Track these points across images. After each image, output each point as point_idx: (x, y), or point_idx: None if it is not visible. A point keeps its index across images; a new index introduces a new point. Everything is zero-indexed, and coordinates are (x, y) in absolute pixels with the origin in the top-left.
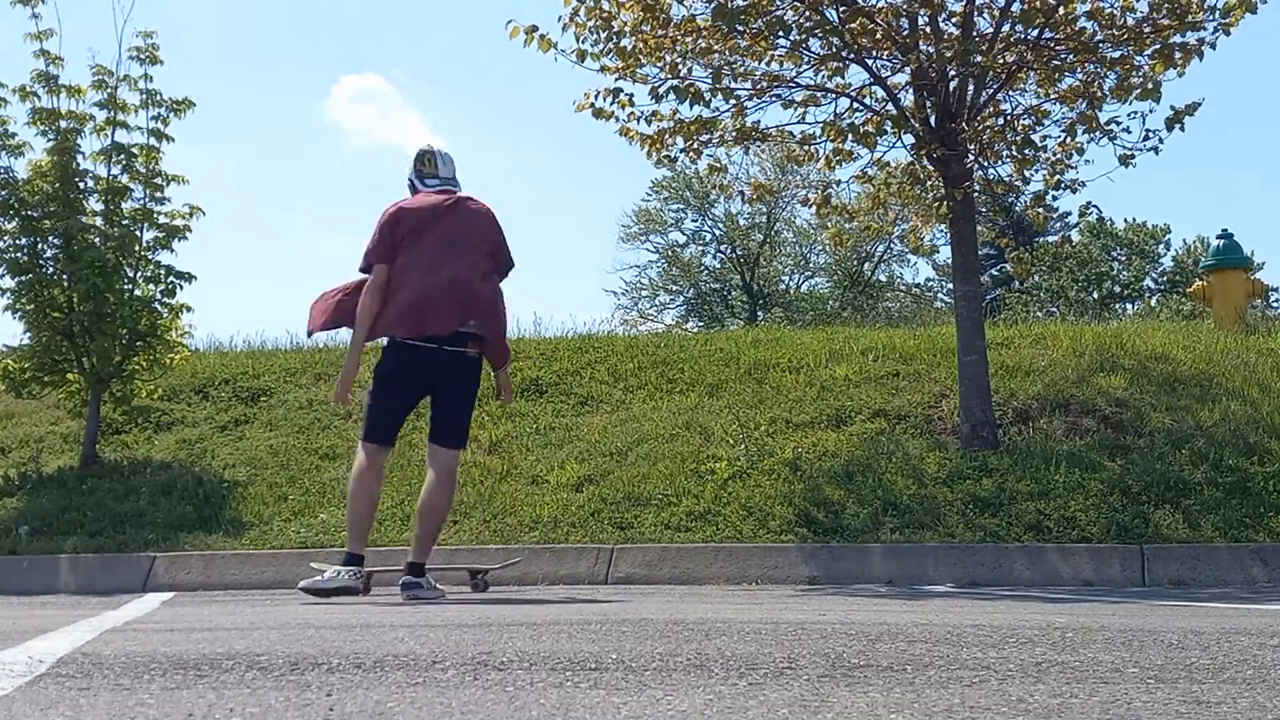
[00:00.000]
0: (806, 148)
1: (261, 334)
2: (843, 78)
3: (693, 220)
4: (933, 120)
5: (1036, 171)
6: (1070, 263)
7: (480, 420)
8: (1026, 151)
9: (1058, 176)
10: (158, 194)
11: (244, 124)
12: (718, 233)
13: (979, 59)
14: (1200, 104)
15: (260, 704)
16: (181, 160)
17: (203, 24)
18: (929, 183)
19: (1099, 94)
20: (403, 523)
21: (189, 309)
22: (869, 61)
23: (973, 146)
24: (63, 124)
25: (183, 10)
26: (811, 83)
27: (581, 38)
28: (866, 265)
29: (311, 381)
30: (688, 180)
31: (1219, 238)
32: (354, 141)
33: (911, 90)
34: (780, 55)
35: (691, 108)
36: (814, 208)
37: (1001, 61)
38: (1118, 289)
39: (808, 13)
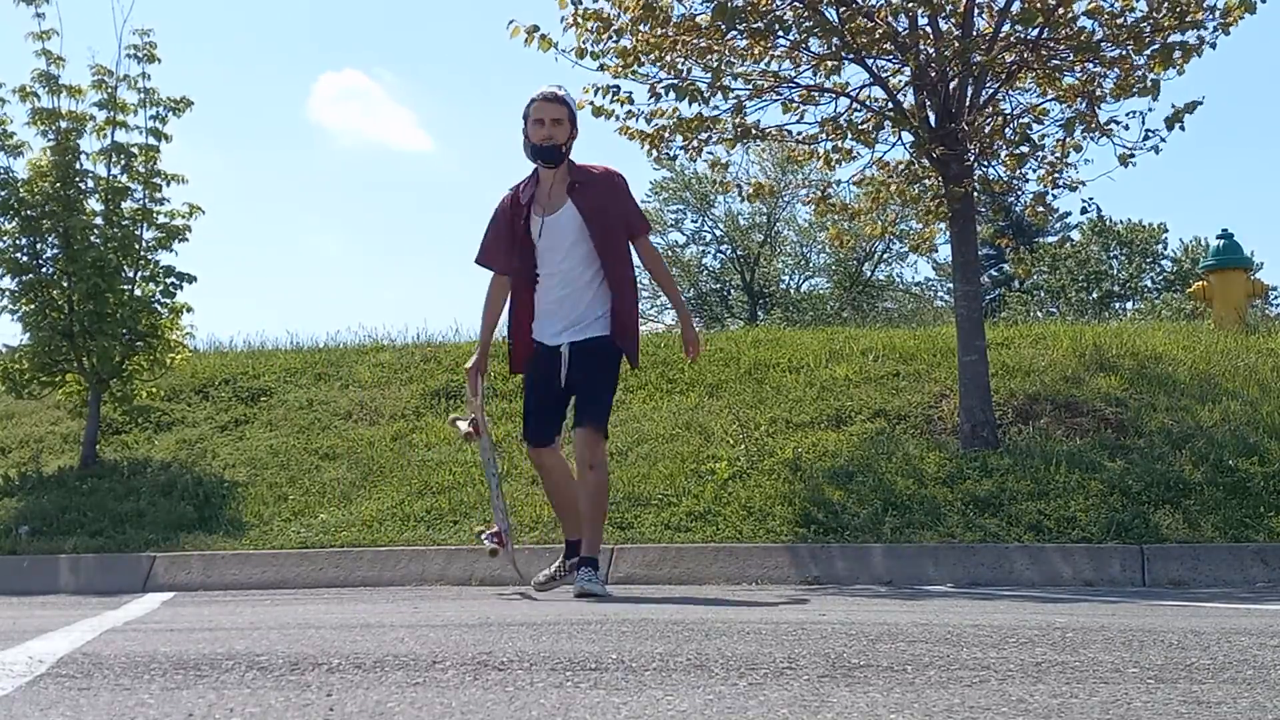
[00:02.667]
0: (807, 147)
1: (261, 334)
2: (840, 76)
3: (693, 220)
4: (932, 120)
5: (1033, 169)
6: (1069, 262)
7: None
8: (1024, 148)
9: (1054, 175)
10: (157, 194)
11: (224, 123)
12: (718, 233)
13: (978, 58)
14: (1200, 103)
15: (260, 704)
16: (170, 159)
17: (176, 24)
18: (929, 182)
19: (1099, 93)
20: (402, 522)
21: (189, 309)
22: (869, 61)
23: (972, 146)
24: (63, 124)
25: (160, 11)
26: (810, 82)
27: (582, 38)
28: (866, 265)
29: (311, 381)
30: (687, 180)
31: (1219, 238)
32: (341, 140)
33: (911, 90)
34: (779, 55)
35: (690, 105)
36: (813, 206)
37: (1001, 61)
38: (1116, 288)
39: (807, 12)
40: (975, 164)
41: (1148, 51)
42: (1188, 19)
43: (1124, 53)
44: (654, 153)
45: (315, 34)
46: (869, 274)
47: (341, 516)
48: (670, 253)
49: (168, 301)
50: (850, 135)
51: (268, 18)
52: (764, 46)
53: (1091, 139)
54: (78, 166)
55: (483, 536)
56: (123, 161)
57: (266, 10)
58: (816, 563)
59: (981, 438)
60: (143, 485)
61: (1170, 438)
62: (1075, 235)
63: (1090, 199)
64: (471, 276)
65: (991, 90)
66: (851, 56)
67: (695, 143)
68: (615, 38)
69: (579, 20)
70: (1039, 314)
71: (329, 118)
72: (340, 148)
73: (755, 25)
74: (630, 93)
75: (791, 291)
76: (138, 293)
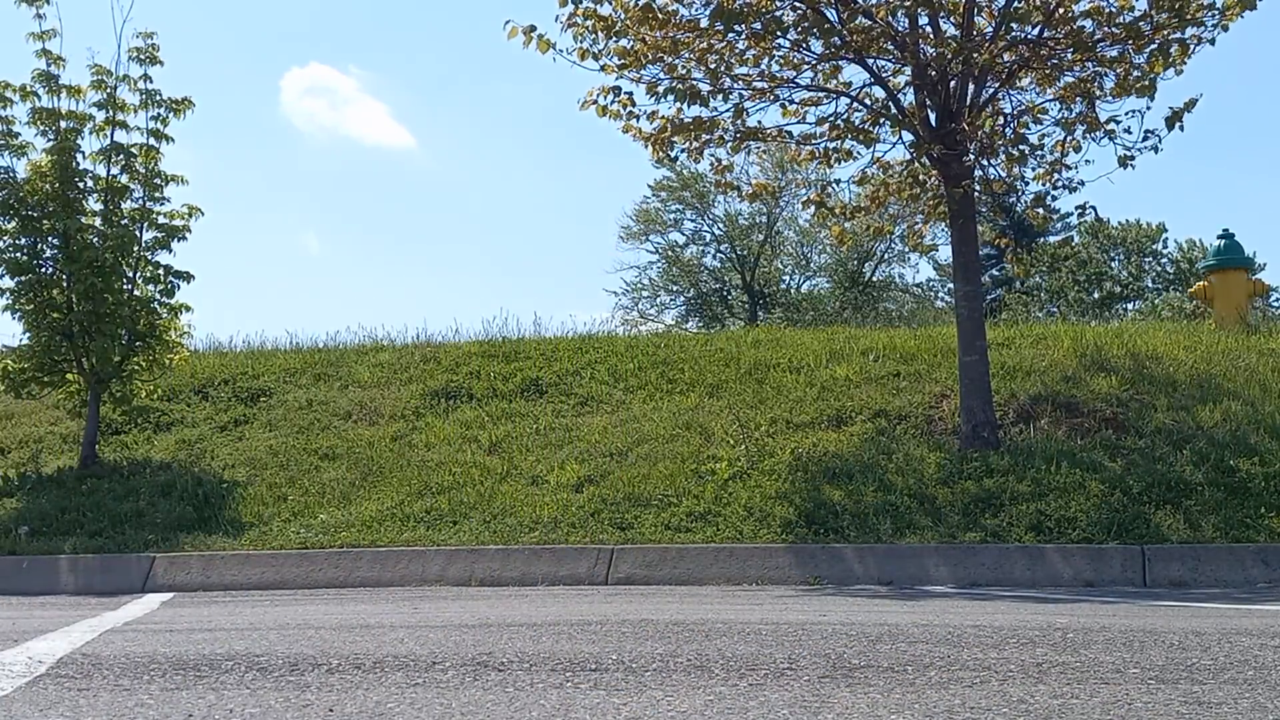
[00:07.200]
0: (806, 147)
1: (261, 334)
2: (840, 77)
3: (693, 220)
4: (933, 120)
5: (1031, 170)
6: (1069, 263)
7: (480, 420)
8: (1022, 148)
9: (1054, 175)
10: (156, 194)
11: (196, 120)
12: (718, 233)
13: (979, 58)
14: (1198, 100)
15: (260, 704)
16: (167, 160)
17: (148, 23)
18: (928, 182)
19: (1098, 92)
20: (402, 523)
21: (188, 309)
22: (869, 61)
23: (972, 145)
24: (63, 124)
25: (145, 11)
26: (811, 83)
27: (580, 38)
28: (867, 265)
29: (311, 381)
30: (687, 180)
31: (1220, 238)
32: (317, 138)
33: (911, 90)
34: (780, 57)
35: (690, 107)
36: (812, 208)
37: (1000, 61)
38: (1117, 289)
39: (806, 12)
40: (975, 164)
41: (1147, 50)
42: (1186, 16)
43: (1123, 51)
44: (656, 153)
45: (280, 29)
46: (869, 274)
47: (341, 517)
48: (670, 252)
49: (167, 301)
50: (849, 135)
51: (227, 14)
52: (764, 48)
53: (1092, 139)
54: (77, 166)
55: None
56: (122, 161)
57: (226, 6)
58: (816, 563)
59: (982, 438)
60: (142, 485)
61: (1170, 438)
62: (1076, 236)
63: (1086, 203)
64: (469, 273)
65: (991, 90)
66: (851, 56)
67: (696, 144)
68: (615, 38)
69: (578, 20)
70: (1039, 314)
71: (302, 113)
72: (318, 144)
73: (754, 26)
74: (630, 93)
75: (791, 291)
76: (137, 293)
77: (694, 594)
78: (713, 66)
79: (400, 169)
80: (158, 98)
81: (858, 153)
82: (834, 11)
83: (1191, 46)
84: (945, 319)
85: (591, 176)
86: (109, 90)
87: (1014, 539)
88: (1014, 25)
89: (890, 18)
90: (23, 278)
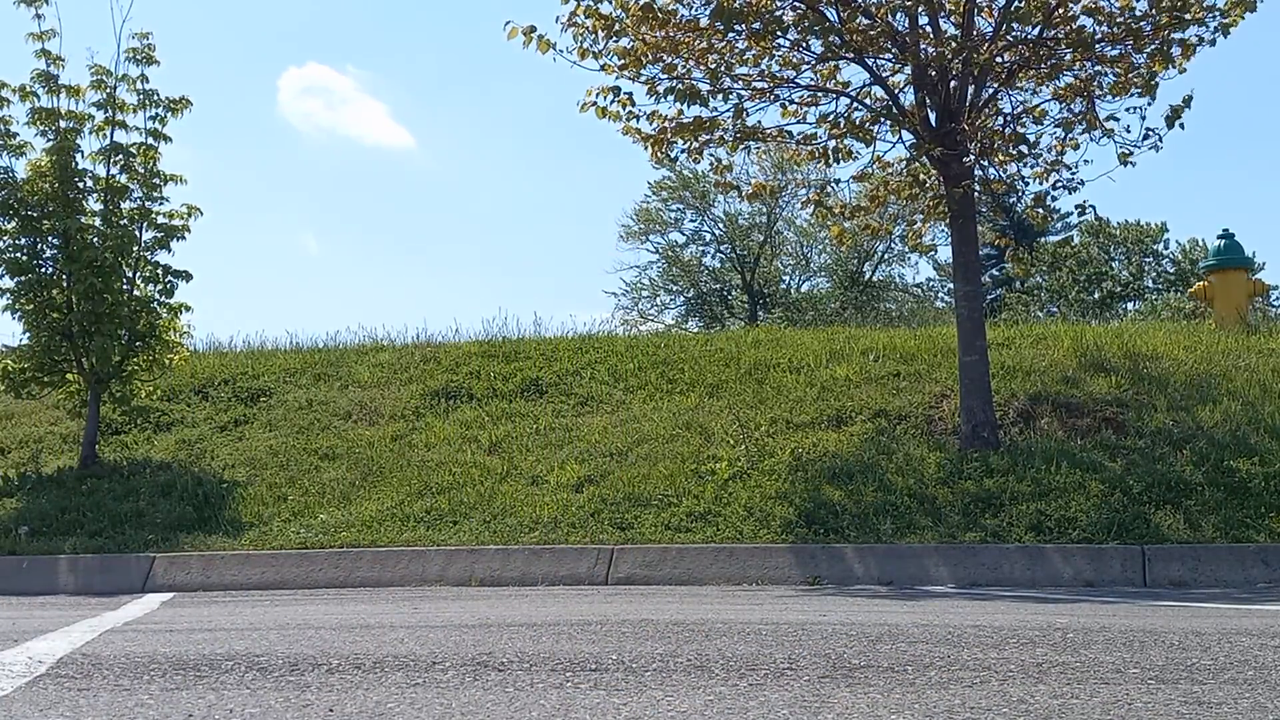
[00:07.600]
0: (807, 147)
1: (261, 334)
2: (840, 77)
3: (693, 220)
4: (933, 119)
5: (1030, 168)
6: (1070, 263)
7: (480, 420)
8: (1022, 148)
9: (1054, 175)
10: (155, 194)
11: (191, 120)
12: (718, 233)
13: (978, 57)
14: (1192, 95)
15: (260, 704)
16: (166, 160)
17: (150, 25)
18: (928, 182)
19: (1098, 91)
20: (402, 523)
21: (188, 308)
22: (869, 61)
23: (972, 145)
24: (62, 124)
25: (142, 11)
26: (811, 83)
27: (580, 38)
28: (867, 265)
29: (311, 381)
30: (687, 180)
31: (1220, 238)
32: (315, 138)
33: (912, 90)
34: (780, 56)
35: (690, 107)
36: (811, 208)
37: (1000, 61)
38: (1118, 289)
39: (806, 11)
40: (975, 164)
41: (1148, 50)
42: (1187, 17)
43: (1123, 51)
44: (656, 154)
45: (277, 29)
46: (869, 274)
47: (341, 517)
48: (670, 252)
49: (167, 301)
50: (849, 133)
51: (224, 14)
52: (764, 47)
53: (1091, 138)
54: (76, 166)
55: None
56: (121, 161)
57: (223, 6)
58: (817, 563)
59: (982, 438)
60: (142, 485)
61: (1170, 438)
62: (1077, 236)
63: (1086, 202)
64: (469, 273)
65: (991, 90)
66: (851, 56)
67: (696, 144)
68: (615, 38)
69: (578, 20)
70: (1039, 314)
71: (297, 112)
72: (316, 143)
73: (754, 26)
74: (630, 93)
75: (791, 291)
76: (136, 293)
77: (694, 594)
78: (713, 66)
79: (399, 169)
80: (155, 97)
81: (858, 152)
82: (834, 11)
83: (1194, 46)
84: (945, 319)
85: (591, 176)
86: (109, 90)
87: (1014, 539)
88: (1014, 25)
89: (890, 17)
90: (23, 278)
